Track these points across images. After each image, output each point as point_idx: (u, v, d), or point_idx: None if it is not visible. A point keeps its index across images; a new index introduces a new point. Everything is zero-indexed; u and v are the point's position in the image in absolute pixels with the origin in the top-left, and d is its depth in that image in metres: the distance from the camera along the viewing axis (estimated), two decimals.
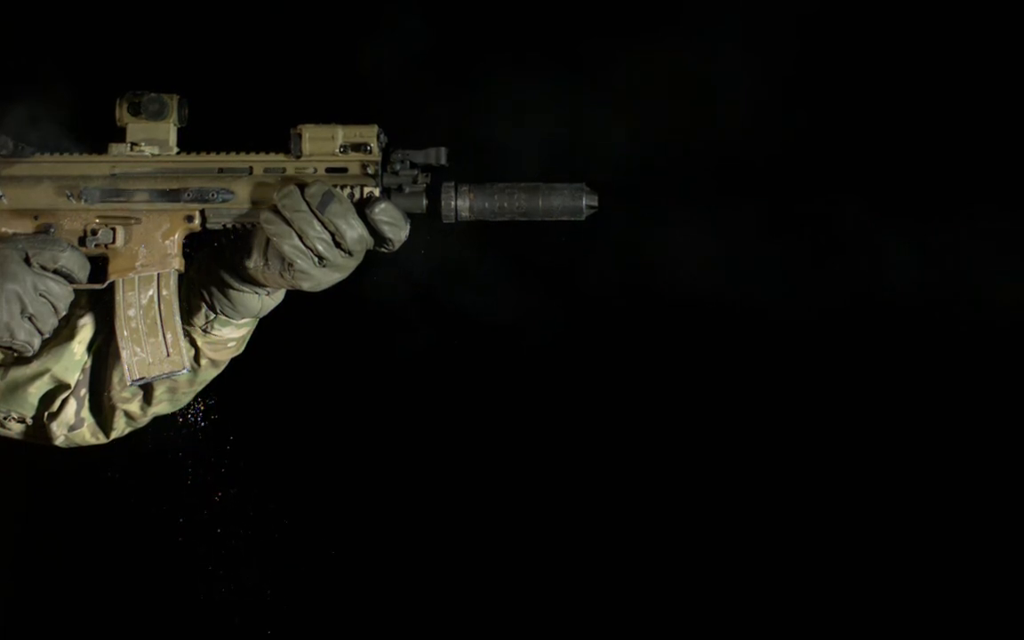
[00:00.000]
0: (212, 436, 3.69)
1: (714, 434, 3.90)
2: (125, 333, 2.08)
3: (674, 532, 3.94)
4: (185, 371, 2.11)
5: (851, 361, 3.79)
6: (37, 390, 2.20)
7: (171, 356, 2.09)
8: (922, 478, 3.82)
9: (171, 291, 2.08)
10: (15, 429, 2.25)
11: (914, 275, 3.60)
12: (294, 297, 2.20)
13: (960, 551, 3.82)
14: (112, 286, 2.09)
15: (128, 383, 2.11)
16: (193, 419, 3.52)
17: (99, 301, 2.19)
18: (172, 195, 2.08)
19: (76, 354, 2.20)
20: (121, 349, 2.09)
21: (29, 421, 2.23)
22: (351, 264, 2.06)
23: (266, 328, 2.26)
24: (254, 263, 2.07)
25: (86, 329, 2.21)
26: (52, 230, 2.08)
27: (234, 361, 2.24)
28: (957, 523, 3.82)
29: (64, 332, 2.17)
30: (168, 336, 2.08)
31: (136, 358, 2.09)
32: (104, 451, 3.52)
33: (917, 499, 3.83)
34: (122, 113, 2.09)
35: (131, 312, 2.08)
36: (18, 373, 2.19)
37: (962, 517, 3.82)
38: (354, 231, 2.03)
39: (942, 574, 3.83)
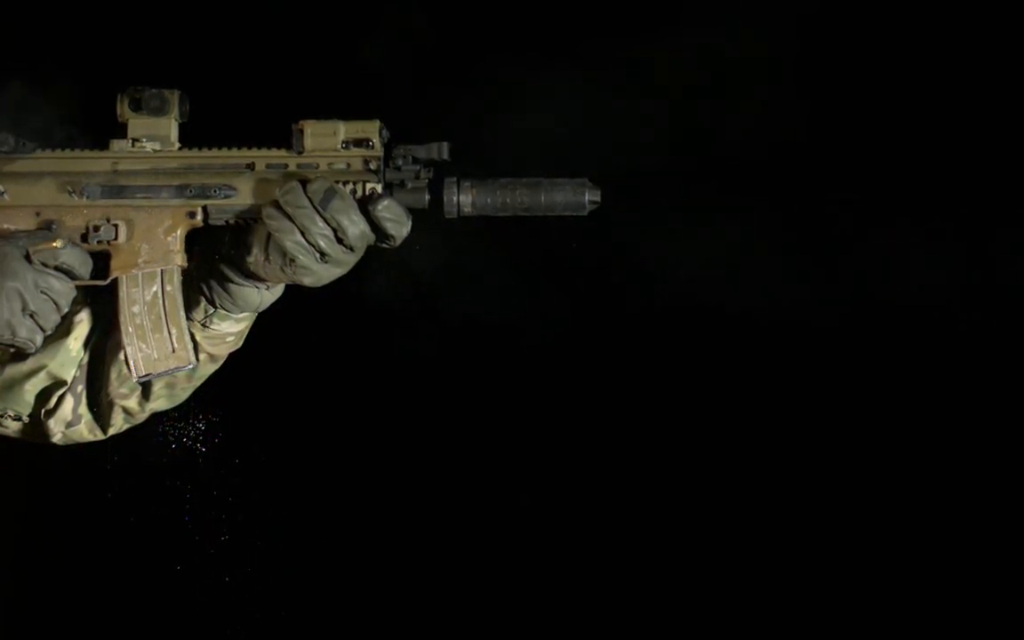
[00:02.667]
0: (213, 462, 3.66)
1: (718, 436, 3.88)
2: (130, 329, 2.08)
3: (680, 536, 3.92)
4: (191, 367, 2.11)
5: (861, 366, 3.77)
6: (33, 387, 2.20)
7: (176, 352, 2.09)
8: (934, 484, 3.79)
9: (175, 287, 2.08)
10: (12, 427, 2.25)
11: (924, 278, 3.59)
12: (294, 304, 2.20)
13: (977, 562, 3.80)
14: (115, 283, 2.09)
15: (133, 380, 2.11)
16: (192, 444, 3.48)
17: (95, 297, 2.19)
18: (174, 191, 2.08)
19: (72, 350, 2.20)
20: (125, 346, 2.09)
21: (26, 419, 2.23)
22: (352, 259, 2.06)
23: (271, 350, 2.25)
24: (255, 258, 2.07)
25: (82, 325, 2.21)
26: (54, 227, 2.08)
27: (237, 371, 2.24)
28: (973, 531, 3.79)
29: (60, 328, 2.15)
30: (173, 332, 2.09)
31: (141, 355, 2.09)
32: (100, 472, 3.52)
33: (930, 505, 3.80)
34: (123, 109, 2.09)
35: (135, 309, 2.08)
36: (14, 370, 2.19)
37: (978, 524, 3.79)
38: (356, 228, 2.03)
39: (964, 590, 3.81)
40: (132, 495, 3.84)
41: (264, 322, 2.21)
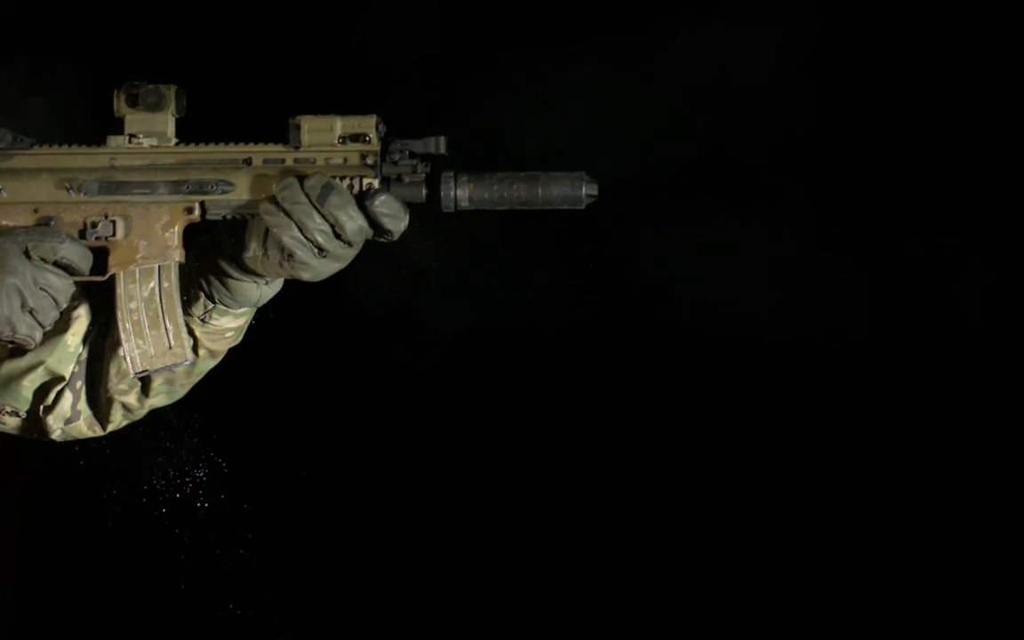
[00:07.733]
0: (215, 513, 3.63)
1: (732, 441, 3.86)
2: (127, 326, 2.09)
3: (686, 542, 3.91)
4: (188, 363, 2.12)
5: (882, 367, 3.75)
6: (31, 383, 2.20)
7: (173, 348, 2.10)
8: (968, 503, 3.76)
9: (172, 283, 2.09)
10: (10, 424, 2.25)
11: (960, 289, 3.58)
12: (298, 326, 2.20)
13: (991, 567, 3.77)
14: (113, 279, 2.10)
15: (131, 376, 2.13)
16: (190, 493, 3.44)
17: (93, 292, 2.20)
18: (171, 187, 2.09)
19: (70, 346, 2.21)
20: (123, 342, 2.10)
21: (23, 415, 2.24)
22: (351, 254, 2.06)
23: (275, 375, 2.25)
24: (253, 253, 2.07)
25: (80, 321, 2.21)
26: (52, 223, 2.08)
27: (248, 404, 2.25)
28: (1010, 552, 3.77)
29: (58, 324, 2.16)
30: (170, 328, 2.09)
31: (138, 351, 2.10)
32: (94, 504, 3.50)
33: (964, 524, 3.77)
34: (120, 104, 2.09)
35: (132, 305, 2.09)
36: (11, 366, 2.19)
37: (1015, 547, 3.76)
38: (354, 223, 2.03)
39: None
40: (132, 518, 3.83)
41: (271, 348, 2.22)
